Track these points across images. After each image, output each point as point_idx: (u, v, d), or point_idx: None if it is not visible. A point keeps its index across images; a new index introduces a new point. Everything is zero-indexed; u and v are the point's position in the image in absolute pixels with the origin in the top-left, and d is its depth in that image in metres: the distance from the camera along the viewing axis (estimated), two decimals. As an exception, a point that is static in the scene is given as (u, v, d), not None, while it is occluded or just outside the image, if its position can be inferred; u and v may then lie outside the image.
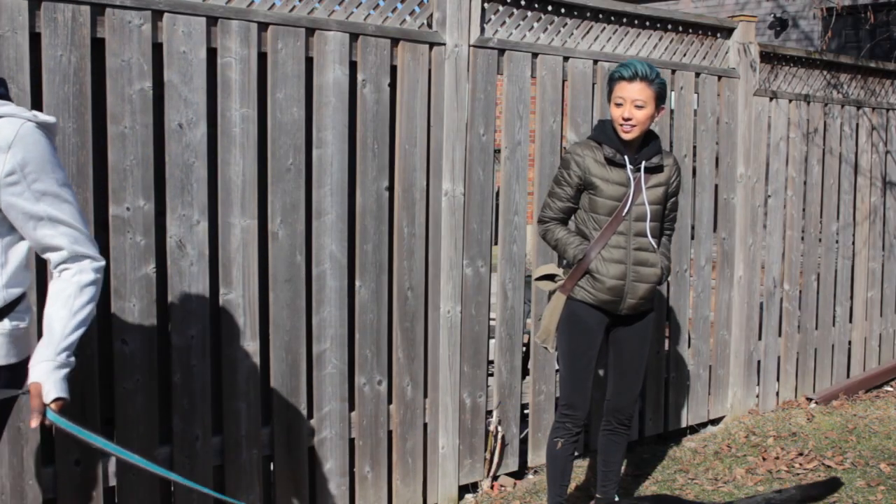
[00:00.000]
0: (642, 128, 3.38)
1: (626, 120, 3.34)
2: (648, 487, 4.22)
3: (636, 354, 3.58)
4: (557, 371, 3.75)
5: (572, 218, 3.56)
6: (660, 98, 3.40)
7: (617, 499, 3.72)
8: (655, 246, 3.47)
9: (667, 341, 4.91)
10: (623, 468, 4.42)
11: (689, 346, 5.01)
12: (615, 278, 3.40)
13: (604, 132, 3.45)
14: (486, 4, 4.01)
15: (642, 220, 3.42)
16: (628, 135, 3.36)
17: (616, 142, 3.41)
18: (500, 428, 4.18)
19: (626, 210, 3.38)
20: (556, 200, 3.51)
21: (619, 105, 3.36)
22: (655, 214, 3.45)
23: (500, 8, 4.08)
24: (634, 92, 3.34)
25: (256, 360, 3.44)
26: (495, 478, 4.23)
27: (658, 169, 3.46)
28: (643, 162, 3.41)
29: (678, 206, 3.61)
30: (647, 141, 3.47)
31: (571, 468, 3.63)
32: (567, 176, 3.45)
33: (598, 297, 3.43)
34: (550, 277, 3.60)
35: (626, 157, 3.39)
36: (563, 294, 3.50)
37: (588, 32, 4.40)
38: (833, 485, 2.70)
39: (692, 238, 4.98)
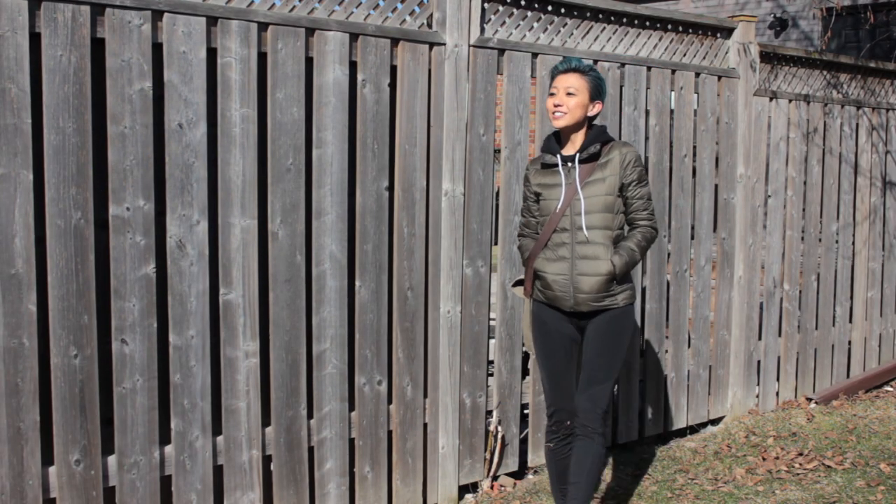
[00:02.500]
0: (574, 115, 3.36)
1: (557, 106, 3.36)
2: (648, 488, 4.22)
3: (596, 353, 3.45)
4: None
5: None
6: (595, 91, 3.40)
7: None
8: (604, 238, 3.38)
9: (667, 341, 4.91)
10: (626, 469, 4.41)
11: (689, 346, 5.01)
12: (557, 274, 3.41)
13: (545, 141, 3.52)
14: (486, 4, 4.01)
15: (586, 212, 3.38)
16: (559, 121, 3.37)
17: (553, 146, 3.46)
18: (500, 428, 4.19)
19: (558, 207, 3.40)
20: (523, 216, 3.62)
21: (552, 94, 3.39)
22: (596, 205, 3.37)
23: (500, 8, 4.08)
24: (567, 81, 3.37)
25: (256, 360, 3.44)
26: (495, 478, 4.23)
27: (594, 157, 3.40)
28: (577, 155, 3.40)
29: (646, 196, 3.46)
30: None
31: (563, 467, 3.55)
32: (524, 192, 3.58)
33: (547, 294, 3.45)
34: (522, 283, 3.64)
35: (557, 156, 3.43)
36: (527, 298, 3.55)
37: (588, 32, 4.40)
38: None
39: (692, 238, 4.98)
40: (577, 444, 3.43)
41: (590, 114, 3.41)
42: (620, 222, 3.46)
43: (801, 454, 4.62)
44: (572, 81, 3.37)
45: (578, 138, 3.42)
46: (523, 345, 3.71)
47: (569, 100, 3.36)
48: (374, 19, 3.67)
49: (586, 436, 3.41)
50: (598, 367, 3.44)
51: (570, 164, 3.41)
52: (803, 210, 5.60)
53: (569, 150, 3.44)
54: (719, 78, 5.01)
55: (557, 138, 3.49)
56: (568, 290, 3.40)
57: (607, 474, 4.35)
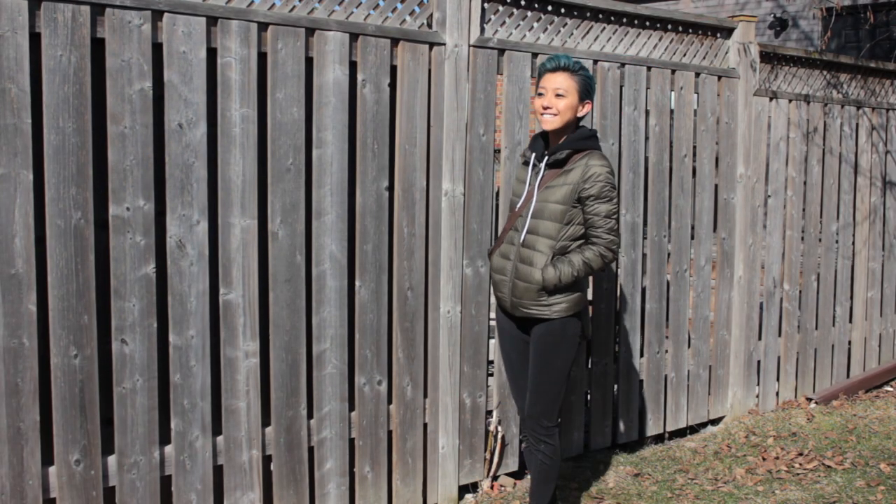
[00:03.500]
0: (564, 118, 3.32)
1: (546, 108, 3.33)
2: (648, 488, 4.22)
3: (533, 364, 3.40)
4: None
5: None
6: (584, 91, 3.34)
7: None
8: (544, 247, 3.30)
9: (667, 341, 4.91)
10: (626, 469, 4.41)
11: (689, 346, 5.01)
12: (497, 272, 3.45)
13: (534, 138, 3.50)
14: (486, 4, 4.01)
15: (538, 216, 3.32)
16: (549, 124, 3.34)
17: (535, 144, 3.44)
18: (499, 428, 4.19)
19: (518, 205, 3.41)
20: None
21: (541, 95, 3.35)
22: (544, 213, 3.31)
23: (500, 8, 4.08)
24: (556, 81, 3.32)
25: (256, 360, 3.44)
26: (495, 478, 4.23)
27: (560, 164, 3.33)
28: (545, 158, 3.37)
29: (607, 216, 3.29)
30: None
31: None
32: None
33: (496, 294, 3.49)
34: None
35: (532, 154, 3.43)
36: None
37: (588, 32, 4.40)
38: None
39: (692, 238, 4.98)
40: (530, 449, 3.50)
41: (579, 114, 3.37)
42: (573, 234, 3.32)
43: (801, 454, 4.62)
44: (561, 82, 3.31)
45: (561, 136, 3.41)
46: None
47: (558, 101, 3.31)
48: (374, 19, 3.68)
49: (529, 444, 3.49)
50: (534, 378, 3.42)
51: (539, 166, 3.40)
52: (803, 210, 5.60)
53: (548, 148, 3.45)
54: (719, 78, 5.01)
55: (546, 136, 3.48)
56: (507, 292, 3.42)
57: (608, 474, 4.36)
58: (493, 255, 3.51)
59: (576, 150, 3.33)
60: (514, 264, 3.39)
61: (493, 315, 4.28)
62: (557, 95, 3.32)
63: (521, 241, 3.36)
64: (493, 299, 4.24)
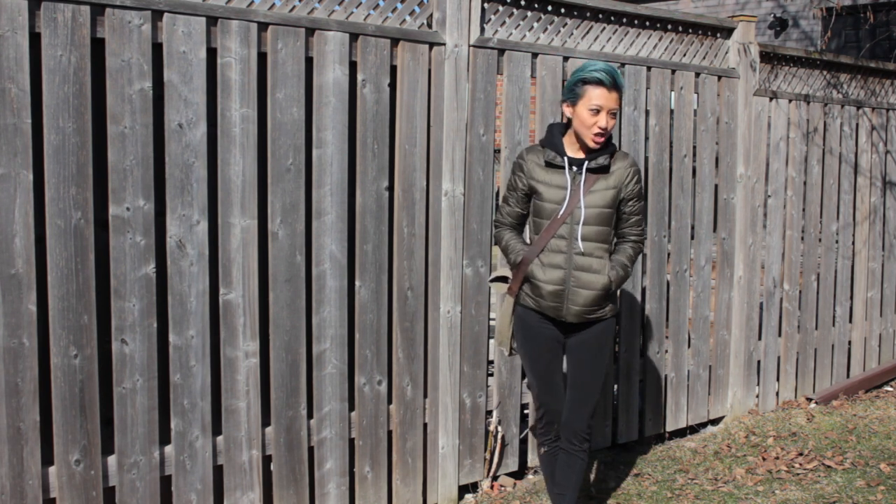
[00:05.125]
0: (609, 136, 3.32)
1: (603, 129, 3.24)
2: (648, 488, 4.22)
3: (586, 365, 3.40)
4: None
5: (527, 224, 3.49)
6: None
7: None
8: (601, 252, 3.32)
9: (667, 341, 4.91)
10: (626, 469, 4.42)
11: (689, 346, 5.01)
12: (553, 283, 3.30)
13: (550, 136, 3.37)
14: (486, 4, 4.01)
15: (586, 223, 3.30)
16: (598, 144, 3.26)
17: (558, 145, 3.32)
18: (499, 428, 4.19)
19: (561, 213, 3.28)
20: (506, 205, 3.46)
21: (594, 112, 3.22)
22: (596, 218, 3.29)
23: (500, 8, 4.08)
24: (612, 101, 3.22)
25: (256, 360, 3.44)
26: (495, 478, 4.23)
27: (603, 170, 3.31)
28: (586, 163, 3.29)
29: (642, 212, 3.43)
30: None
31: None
32: (515, 181, 3.40)
33: (540, 303, 3.35)
34: (504, 279, 3.52)
35: (565, 158, 3.29)
36: (510, 297, 3.45)
37: (588, 32, 4.40)
38: None
39: (692, 238, 4.98)
40: (562, 457, 3.47)
41: None
42: (614, 236, 3.41)
43: (801, 454, 4.62)
44: (614, 102, 3.24)
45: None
46: (495, 341, 3.59)
47: (612, 121, 3.25)
48: (374, 19, 3.67)
49: (571, 452, 3.45)
50: (586, 383, 3.40)
51: (575, 169, 3.30)
52: (803, 210, 5.60)
53: (573, 152, 3.34)
54: (719, 78, 5.01)
55: (562, 133, 3.36)
56: (562, 302, 3.32)
57: (608, 474, 4.36)
58: (537, 267, 3.33)
59: (611, 154, 3.36)
60: (569, 272, 3.30)
61: (493, 315, 4.29)
62: (612, 115, 3.24)
63: (576, 249, 3.30)
64: (493, 299, 4.24)
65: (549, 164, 3.33)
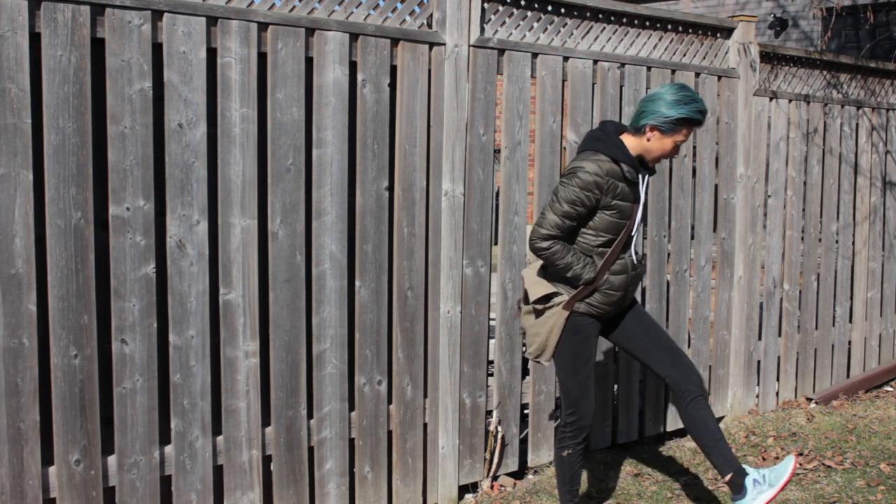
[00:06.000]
0: None
1: (674, 155, 3.38)
2: (648, 488, 4.22)
3: (652, 324, 3.57)
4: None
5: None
6: None
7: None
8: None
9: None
10: (626, 469, 4.42)
11: (688, 346, 5.01)
12: (620, 289, 3.39)
13: (619, 148, 3.29)
14: (486, 4, 4.01)
15: (637, 230, 3.47)
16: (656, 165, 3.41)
17: (633, 160, 3.31)
18: (500, 428, 4.19)
19: (635, 226, 3.36)
20: (565, 220, 3.27)
21: (678, 146, 3.34)
22: (644, 221, 3.49)
23: (500, 8, 4.08)
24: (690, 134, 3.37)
25: (256, 360, 3.44)
26: (495, 478, 4.23)
27: (649, 182, 3.50)
28: (647, 176, 3.41)
29: None
30: None
31: (581, 472, 3.61)
32: (585, 198, 3.24)
33: (604, 308, 3.39)
34: (545, 299, 3.42)
35: (639, 175, 3.34)
36: (565, 311, 3.37)
37: (588, 32, 4.40)
38: None
39: (692, 238, 4.98)
40: (702, 406, 3.43)
41: None
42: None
43: (801, 454, 4.62)
44: None
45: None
46: (531, 353, 3.51)
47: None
48: (374, 19, 3.68)
49: (702, 400, 3.45)
50: (665, 334, 3.57)
51: (638, 183, 3.37)
52: (803, 210, 5.60)
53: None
54: (719, 78, 5.01)
55: (622, 145, 3.34)
56: (618, 304, 3.43)
57: (608, 474, 4.36)
58: (606, 275, 3.33)
59: None
60: (629, 276, 3.40)
61: (493, 315, 4.29)
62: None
63: (628, 252, 3.42)
64: (493, 299, 4.24)
65: (626, 179, 3.30)
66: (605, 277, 3.35)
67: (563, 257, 3.29)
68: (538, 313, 3.45)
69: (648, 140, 3.31)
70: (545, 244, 3.29)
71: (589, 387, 3.47)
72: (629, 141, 3.34)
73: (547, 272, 3.45)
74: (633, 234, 3.40)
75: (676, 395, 3.47)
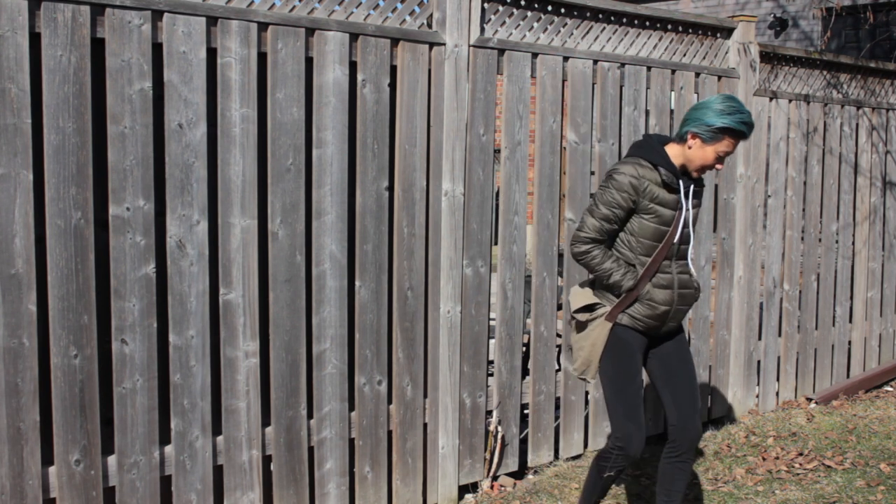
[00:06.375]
0: None
1: (717, 168, 3.28)
2: (649, 488, 4.22)
3: (687, 363, 3.41)
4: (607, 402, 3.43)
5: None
6: None
7: None
8: (692, 271, 3.39)
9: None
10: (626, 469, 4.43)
11: (689, 345, 5.01)
12: (665, 304, 3.27)
13: (659, 154, 3.27)
14: (486, 4, 4.01)
15: (685, 243, 3.33)
16: (700, 175, 3.33)
17: (673, 167, 3.25)
18: (499, 428, 4.19)
19: (677, 235, 3.26)
20: (604, 223, 3.23)
21: (720, 157, 3.24)
22: (691, 240, 3.36)
23: (500, 8, 4.08)
24: (736, 147, 3.26)
25: (256, 360, 3.44)
26: (495, 478, 4.23)
27: (698, 194, 3.37)
28: (691, 186, 3.30)
29: None
30: None
31: (609, 488, 3.49)
32: (621, 199, 3.20)
33: (647, 322, 3.27)
34: (588, 308, 3.35)
35: (680, 181, 3.25)
36: (608, 322, 3.29)
37: (588, 32, 4.40)
38: None
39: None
40: (681, 465, 3.36)
41: None
42: None
43: (801, 454, 4.62)
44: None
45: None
46: (576, 369, 3.40)
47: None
48: (374, 19, 3.68)
49: (693, 454, 3.36)
50: (693, 376, 3.40)
51: (681, 195, 3.27)
52: (803, 210, 5.60)
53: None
54: (719, 78, 5.01)
55: (663, 151, 3.29)
56: (666, 320, 3.31)
57: (607, 474, 4.36)
58: (650, 287, 3.26)
59: None
60: (675, 292, 3.29)
61: (493, 315, 4.29)
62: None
63: (680, 269, 3.32)
64: (493, 299, 4.24)
65: (665, 185, 3.24)
66: (647, 288, 3.25)
67: (602, 262, 3.24)
68: (581, 327, 3.38)
69: (690, 148, 3.24)
70: (584, 247, 3.26)
71: (637, 407, 3.30)
72: (672, 150, 3.28)
73: (593, 287, 3.38)
74: (676, 242, 3.28)
75: (671, 444, 3.37)
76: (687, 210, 3.28)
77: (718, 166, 3.27)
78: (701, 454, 4.68)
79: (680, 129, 3.28)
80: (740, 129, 3.18)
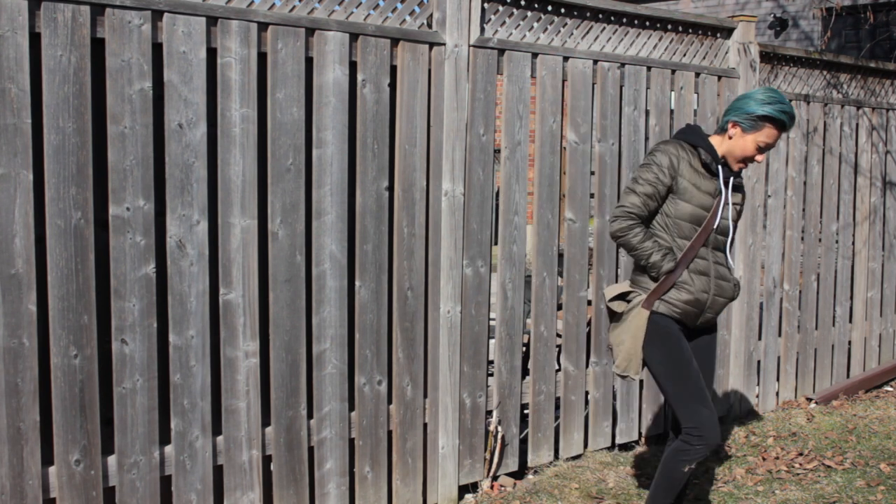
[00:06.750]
0: None
1: (758, 162, 3.26)
2: (649, 488, 4.22)
3: (711, 371, 3.41)
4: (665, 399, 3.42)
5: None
6: None
7: None
8: (729, 262, 3.34)
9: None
10: (626, 469, 4.42)
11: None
12: (701, 291, 3.23)
13: (700, 137, 3.26)
14: (486, 4, 4.01)
15: (724, 234, 3.29)
16: (740, 170, 3.29)
17: (713, 151, 3.24)
18: (499, 428, 4.19)
19: (716, 222, 3.22)
20: (647, 198, 3.21)
21: (761, 149, 3.20)
22: (730, 230, 3.31)
23: (500, 8, 4.08)
24: (777, 139, 3.22)
25: (256, 360, 3.44)
26: (495, 478, 4.23)
27: (739, 189, 3.35)
28: (731, 178, 3.28)
29: None
30: None
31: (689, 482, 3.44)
32: (662, 175, 3.20)
33: (684, 308, 3.23)
34: (623, 297, 3.31)
35: (720, 167, 3.24)
36: (645, 310, 3.24)
37: (588, 32, 4.40)
38: None
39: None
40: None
41: None
42: None
43: (801, 454, 4.62)
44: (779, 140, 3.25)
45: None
46: (618, 366, 3.31)
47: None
48: (374, 19, 3.68)
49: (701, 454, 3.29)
50: (712, 382, 3.40)
51: (721, 183, 3.25)
52: (803, 210, 5.60)
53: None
54: (719, 78, 5.01)
55: (704, 136, 3.27)
56: (703, 309, 3.27)
57: (608, 474, 4.36)
58: (687, 272, 3.22)
59: None
60: (711, 280, 3.25)
61: (493, 315, 4.29)
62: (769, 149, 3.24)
63: (717, 258, 3.29)
64: (493, 299, 4.24)
65: (704, 167, 3.23)
66: (684, 274, 3.21)
67: (642, 241, 3.20)
68: (617, 319, 3.34)
69: (730, 138, 3.22)
70: (626, 223, 3.22)
71: (703, 390, 3.21)
72: (714, 140, 3.29)
73: (630, 279, 3.38)
74: (714, 230, 3.25)
75: (683, 438, 3.27)
76: (727, 201, 3.24)
77: (758, 158, 3.23)
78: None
79: (722, 121, 3.27)
80: (781, 119, 3.15)
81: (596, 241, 4.54)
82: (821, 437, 4.91)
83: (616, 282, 4.59)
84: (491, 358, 4.52)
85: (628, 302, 3.31)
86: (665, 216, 3.26)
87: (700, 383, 3.22)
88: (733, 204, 3.31)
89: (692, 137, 3.27)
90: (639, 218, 3.22)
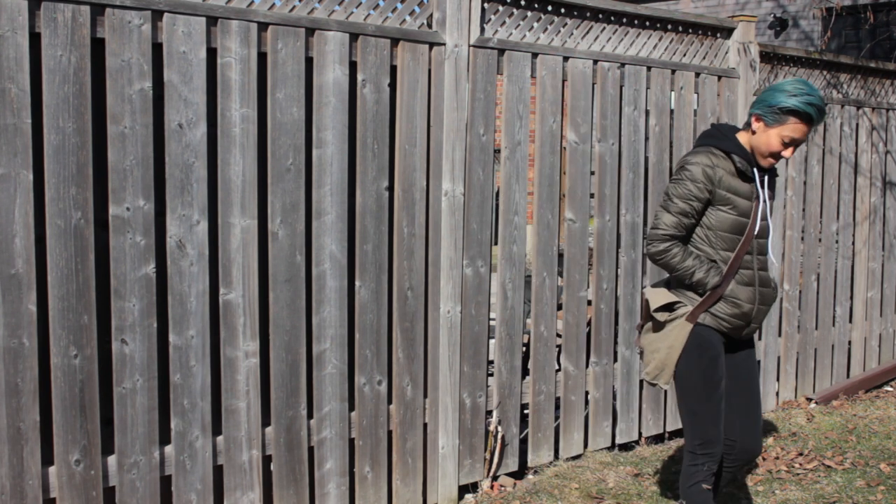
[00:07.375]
0: None
1: (784, 157, 3.08)
2: (648, 488, 4.22)
3: (755, 378, 3.27)
4: (686, 410, 3.24)
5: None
6: None
7: None
8: (771, 267, 3.21)
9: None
10: (626, 469, 4.42)
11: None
12: (748, 302, 3.11)
13: (731, 141, 3.11)
14: (486, 4, 4.01)
15: (764, 236, 3.15)
16: (770, 166, 3.11)
17: (747, 153, 3.09)
18: (499, 428, 4.19)
19: (756, 228, 3.09)
20: (682, 217, 3.07)
21: (786, 144, 3.02)
22: (768, 233, 3.18)
23: (500, 8, 4.08)
24: (806, 134, 3.03)
25: (256, 360, 3.44)
26: (495, 478, 4.23)
27: (772, 184, 3.20)
28: (766, 176, 3.13)
29: None
30: None
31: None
32: (697, 190, 3.04)
33: (732, 322, 3.11)
34: (668, 307, 3.17)
35: (755, 171, 3.09)
36: (689, 322, 3.12)
37: (588, 32, 4.40)
38: None
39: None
40: (731, 470, 3.28)
41: None
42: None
43: (801, 454, 4.62)
44: (807, 135, 3.05)
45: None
46: (648, 373, 3.22)
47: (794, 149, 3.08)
48: (374, 19, 3.68)
49: (741, 468, 3.27)
50: (756, 396, 3.25)
51: (757, 184, 3.11)
52: (803, 210, 5.60)
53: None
54: (719, 78, 5.01)
55: (736, 139, 3.12)
56: (750, 320, 3.15)
57: (608, 474, 4.36)
58: (734, 285, 3.11)
59: None
60: (756, 290, 3.13)
61: (493, 315, 4.29)
62: (796, 145, 3.06)
63: (760, 264, 3.15)
64: (493, 299, 4.24)
65: (740, 173, 3.08)
66: (731, 286, 3.09)
67: (683, 260, 3.08)
68: (659, 327, 3.19)
69: (754, 133, 3.07)
70: (663, 246, 3.09)
71: (720, 412, 3.14)
72: (742, 137, 3.13)
73: (668, 286, 3.24)
74: (755, 235, 3.12)
75: (727, 457, 3.23)
76: (764, 201, 3.10)
77: (785, 153, 3.05)
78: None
79: (748, 113, 3.13)
80: (806, 111, 2.97)
81: (596, 241, 4.54)
82: (821, 437, 4.91)
83: (616, 281, 4.59)
84: (491, 358, 4.51)
85: (670, 311, 3.18)
86: (706, 228, 3.12)
87: (720, 407, 3.14)
88: (770, 203, 3.17)
89: (723, 143, 3.11)
90: (675, 239, 3.10)
